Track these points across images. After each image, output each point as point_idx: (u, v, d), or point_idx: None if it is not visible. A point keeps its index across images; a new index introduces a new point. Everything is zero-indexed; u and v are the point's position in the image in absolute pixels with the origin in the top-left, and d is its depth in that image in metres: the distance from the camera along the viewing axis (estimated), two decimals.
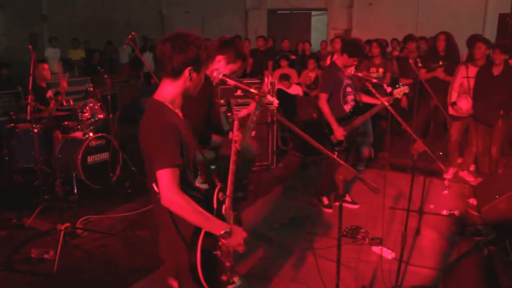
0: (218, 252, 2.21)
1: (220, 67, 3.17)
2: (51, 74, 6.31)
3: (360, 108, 5.03)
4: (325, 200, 5.36)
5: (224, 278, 2.27)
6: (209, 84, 3.05)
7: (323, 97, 4.89)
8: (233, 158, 2.37)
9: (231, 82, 2.29)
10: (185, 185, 2.12)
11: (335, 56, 5.09)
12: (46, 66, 6.19)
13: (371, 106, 4.98)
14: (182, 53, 2.06)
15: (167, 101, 2.16)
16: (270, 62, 10.62)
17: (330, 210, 5.27)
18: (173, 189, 2.02)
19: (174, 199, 2.02)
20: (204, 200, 2.24)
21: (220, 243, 2.22)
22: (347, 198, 5.37)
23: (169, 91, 2.16)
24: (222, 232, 2.11)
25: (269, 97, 2.24)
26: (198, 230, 2.12)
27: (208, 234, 2.13)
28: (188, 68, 2.10)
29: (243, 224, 2.50)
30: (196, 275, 2.09)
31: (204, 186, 2.34)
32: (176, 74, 2.11)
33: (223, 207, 2.31)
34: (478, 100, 5.78)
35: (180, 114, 2.24)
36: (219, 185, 2.34)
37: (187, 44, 2.07)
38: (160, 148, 2.03)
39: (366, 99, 5.22)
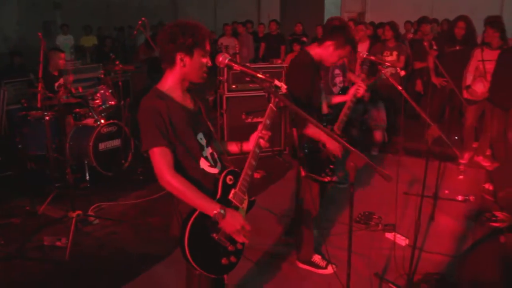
0: (215, 234, 2.22)
1: (328, 53, 3.34)
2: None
3: (346, 88, 4.95)
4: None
5: (224, 261, 2.26)
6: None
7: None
8: (256, 151, 2.33)
9: (237, 67, 2.23)
10: (182, 166, 2.24)
11: None
12: (62, 55, 6.22)
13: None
14: (171, 42, 2.21)
15: (164, 88, 2.29)
16: (282, 47, 10.51)
17: (343, 186, 5.21)
18: (163, 169, 2.14)
19: (164, 179, 2.15)
20: (207, 182, 2.29)
21: (220, 225, 2.22)
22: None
23: (167, 79, 2.31)
24: (214, 212, 2.15)
25: (277, 82, 2.18)
26: (194, 209, 2.19)
27: (206, 215, 2.18)
28: (178, 55, 2.23)
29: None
30: (183, 251, 2.15)
31: (211, 170, 2.34)
32: (169, 62, 2.27)
33: (232, 191, 2.30)
34: (496, 83, 5.63)
35: (184, 98, 2.34)
36: (228, 169, 2.34)
37: (174, 33, 2.20)
38: (142, 131, 2.19)
39: (351, 77, 5.21)
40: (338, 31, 3.30)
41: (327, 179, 3.46)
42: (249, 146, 2.46)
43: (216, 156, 2.42)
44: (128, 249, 4.19)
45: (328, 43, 3.33)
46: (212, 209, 2.16)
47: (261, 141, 2.33)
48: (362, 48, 7.04)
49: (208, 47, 2.28)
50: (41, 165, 5.72)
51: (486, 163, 6.13)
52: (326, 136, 3.27)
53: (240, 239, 2.27)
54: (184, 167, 2.25)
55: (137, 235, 4.45)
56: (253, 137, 2.40)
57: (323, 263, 3.75)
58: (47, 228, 4.50)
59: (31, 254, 4.06)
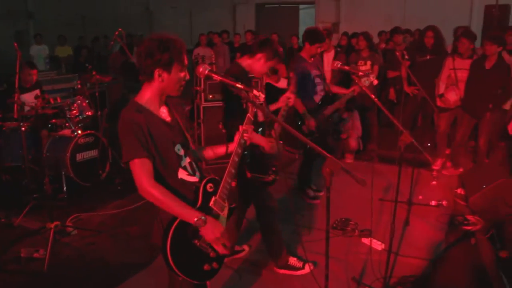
0: (196, 241, 2.27)
1: (260, 64, 3.62)
2: (37, 72, 6.24)
3: (329, 98, 5.11)
4: (310, 192, 5.42)
5: (206, 267, 2.31)
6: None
7: (291, 89, 4.93)
8: (237, 150, 2.43)
9: (217, 77, 2.31)
10: (161, 177, 2.28)
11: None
12: (34, 71, 6.04)
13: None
14: (148, 58, 2.25)
15: (142, 101, 2.33)
16: None
17: (317, 201, 5.33)
18: (143, 179, 2.19)
19: (144, 189, 2.20)
20: (187, 191, 2.34)
21: (201, 232, 2.28)
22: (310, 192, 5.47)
23: (145, 92, 2.35)
24: (195, 219, 2.21)
25: (255, 92, 2.26)
26: (175, 216, 2.25)
27: (186, 222, 2.23)
28: (156, 71, 2.26)
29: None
30: (166, 258, 2.20)
31: (190, 178, 2.39)
32: (148, 76, 2.31)
33: (213, 198, 2.36)
34: (469, 92, 5.81)
35: (162, 111, 2.39)
36: (208, 177, 2.39)
37: (150, 49, 2.24)
38: (122, 142, 2.23)
39: (335, 89, 5.35)
40: (266, 45, 3.60)
41: (271, 177, 3.64)
42: (233, 146, 2.53)
43: (194, 165, 2.47)
44: (107, 259, 4.18)
45: (259, 55, 3.61)
46: (193, 216, 2.22)
47: (245, 135, 2.43)
48: (329, 58, 7.20)
49: (186, 61, 2.33)
50: (16, 177, 5.65)
51: (449, 173, 6.29)
52: (263, 139, 3.40)
53: (219, 248, 2.32)
54: (163, 177, 2.30)
55: (116, 245, 4.44)
56: (236, 139, 2.48)
57: (299, 264, 3.85)
58: (24, 240, 4.46)
59: (8, 267, 4.01)
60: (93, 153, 5.90)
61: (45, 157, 5.51)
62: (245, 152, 3.38)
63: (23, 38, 16.09)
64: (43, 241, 4.28)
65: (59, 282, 3.81)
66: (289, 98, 3.89)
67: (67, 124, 5.87)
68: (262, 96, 2.28)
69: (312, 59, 5.08)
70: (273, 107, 4.04)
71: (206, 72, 2.30)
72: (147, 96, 2.33)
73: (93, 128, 6.14)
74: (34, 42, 12.84)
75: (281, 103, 3.95)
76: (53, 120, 5.90)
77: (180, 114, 2.51)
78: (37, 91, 6.01)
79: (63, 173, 5.56)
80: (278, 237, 3.82)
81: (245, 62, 3.67)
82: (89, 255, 4.23)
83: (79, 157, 5.68)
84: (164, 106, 2.42)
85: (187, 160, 2.42)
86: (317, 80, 5.05)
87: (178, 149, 2.38)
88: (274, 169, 3.65)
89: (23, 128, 5.04)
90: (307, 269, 3.79)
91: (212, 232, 2.26)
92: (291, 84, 4.04)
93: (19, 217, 4.81)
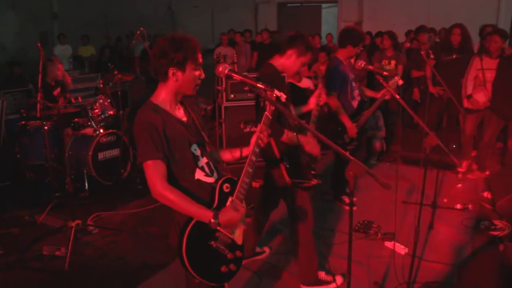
0: (213, 242, 2.24)
1: (291, 61, 3.43)
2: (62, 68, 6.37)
3: (364, 103, 4.91)
4: (346, 199, 5.28)
5: (223, 269, 2.27)
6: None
7: (334, 94, 4.62)
8: (254, 149, 2.36)
9: (237, 77, 2.26)
10: (175, 178, 2.26)
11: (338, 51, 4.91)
12: (60, 66, 6.26)
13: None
14: (161, 58, 2.25)
15: (158, 101, 2.32)
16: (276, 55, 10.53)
17: (355, 208, 5.18)
18: (156, 182, 2.17)
19: (157, 191, 2.18)
20: (203, 192, 2.31)
21: (217, 233, 2.25)
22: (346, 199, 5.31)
23: (160, 92, 2.34)
24: (210, 220, 2.18)
25: (276, 92, 2.20)
26: (191, 218, 2.22)
27: (203, 223, 2.20)
28: (170, 70, 2.25)
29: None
30: (182, 260, 2.17)
31: (207, 179, 2.36)
32: (162, 76, 2.30)
33: (229, 198, 2.32)
34: (497, 93, 5.65)
35: (178, 111, 2.38)
36: (224, 177, 2.35)
37: (163, 48, 2.24)
38: (137, 143, 2.23)
39: (368, 93, 5.14)
40: (297, 40, 3.42)
41: (312, 182, 3.42)
42: (249, 150, 2.47)
43: (212, 165, 2.44)
44: (127, 258, 4.18)
45: (290, 51, 3.42)
46: (208, 216, 2.19)
47: (260, 142, 2.36)
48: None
49: (200, 60, 2.30)
50: (40, 175, 5.72)
51: (474, 176, 6.14)
52: (304, 138, 3.31)
53: (237, 236, 2.32)
54: (178, 178, 2.28)
55: (137, 244, 4.44)
56: (253, 141, 2.43)
57: (329, 278, 3.64)
58: (46, 237, 4.49)
59: (31, 264, 4.05)
60: (114, 152, 5.93)
61: (67, 155, 5.57)
62: (284, 158, 3.29)
63: (47, 38, 16.35)
64: (65, 239, 4.29)
65: (80, 281, 3.83)
66: (320, 96, 3.69)
67: (89, 123, 5.91)
68: (284, 96, 2.22)
69: (347, 61, 4.85)
70: (304, 109, 3.84)
71: (226, 71, 2.26)
72: (162, 96, 2.33)
73: (115, 127, 6.18)
74: (59, 42, 13.03)
75: (311, 105, 3.75)
76: (76, 119, 5.95)
77: (196, 114, 2.48)
78: (59, 90, 6.10)
79: (85, 171, 5.61)
80: (310, 250, 3.55)
81: (277, 61, 3.48)
82: (110, 254, 4.24)
83: (100, 156, 5.72)
84: (180, 105, 2.40)
85: (204, 160, 2.39)
86: (354, 84, 4.83)
87: (195, 149, 2.35)
88: (313, 172, 3.46)
89: (46, 127, 5.10)
90: (339, 280, 3.62)
91: (233, 219, 2.25)
92: (320, 82, 3.81)
93: (42, 215, 4.86)
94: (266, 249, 4.15)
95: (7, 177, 5.91)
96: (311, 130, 2.28)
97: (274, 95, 2.22)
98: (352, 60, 5.75)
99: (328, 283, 3.61)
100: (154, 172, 2.18)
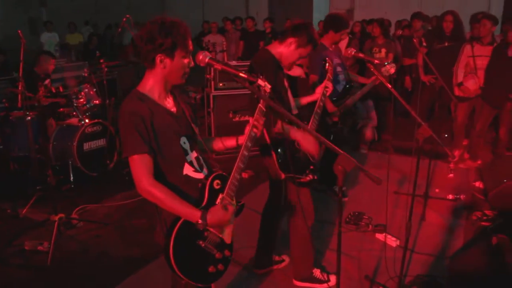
0: (201, 242, 2.13)
1: (289, 50, 3.22)
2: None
3: (350, 88, 4.84)
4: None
5: (211, 269, 2.17)
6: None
7: (314, 78, 4.65)
8: (247, 143, 2.25)
9: (218, 65, 2.14)
10: (162, 173, 2.14)
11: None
12: (53, 61, 6.12)
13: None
14: (149, 43, 2.09)
15: (145, 90, 2.18)
16: (261, 43, 10.42)
17: (346, 199, 5.12)
18: (142, 177, 2.05)
19: (143, 188, 2.05)
20: (191, 189, 2.19)
21: (206, 233, 2.14)
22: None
23: (147, 80, 2.21)
24: (198, 220, 2.06)
25: (260, 81, 2.08)
26: (179, 216, 2.10)
27: (191, 222, 2.08)
28: (158, 57, 2.11)
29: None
30: (169, 261, 2.05)
31: (196, 175, 2.24)
32: (149, 63, 2.16)
33: (219, 195, 2.20)
34: (489, 81, 5.58)
35: (167, 101, 2.24)
36: (215, 173, 2.23)
37: (151, 33, 2.08)
38: (123, 136, 2.09)
39: (360, 79, 5.13)
40: (301, 29, 3.21)
41: (308, 178, 3.26)
42: (244, 138, 2.35)
43: (202, 160, 2.32)
44: (113, 252, 4.07)
45: (290, 40, 3.21)
46: (196, 216, 2.07)
47: (255, 130, 2.26)
48: (342, 45, 6.95)
49: (190, 47, 2.17)
50: (24, 167, 5.57)
51: (466, 165, 6.08)
52: (300, 134, 3.14)
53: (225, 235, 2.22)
54: (165, 173, 2.16)
55: (123, 238, 4.33)
56: (247, 131, 2.31)
57: (324, 276, 3.52)
58: (29, 232, 4.37)
59: (12, 260, 3.93)
60: (100, 142, 5.80)
61: (51, 146, 5.43)
62: (279, 150, 3.14)
63: (36, 25, 16.09)
64: (47, 233, 4.17)
65: (62, 277, 3.71)
66: (326, 88, 3.49)
67: (74, 113, 5.77)
68: (268, 86, 2.10)
69: (333, 46, 4.85)
70: (306, 99, 3.62)
71: (207, 60, 2.12)
72: (149, 84, 2.19)
73: (101, 117, 6.03)
74: (45, 29, 12.79)
75: (317, 95, 3.52)
76: (60, 109, 5.80)
77: (186, 105, 2.35)
78: (48, 81, 5.94)
79: (70, 162, 5.47)
80: (306, 245, 3.44)
81: (275, 48, 3.28)
82: (94, 249, 4.13)
83: (86, 146, 5.58)
84: (169, 95, 2.27)
85: (194, 154, 2.27)
86: (339, 69, 4.82)
87: (184, 142, 2.23)
88: (312, 167, 3.30)
89: (28, 118, 4.95)
90: (333, 281, 3.49)
91: (221, 219, 2.13)
92: (328, 72, 3.65)
93: (24, 208, 4.73)
94: (285, 258, 3.87)
95: None
96: (302, 126, 2.15)
97: (257, 84, 2.09)
98: (342, 46, 5.67)
99: (321, 281, 3.50)
100: (140, 167, 2.05)
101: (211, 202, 2.18)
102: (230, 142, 2.52)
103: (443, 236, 4.29)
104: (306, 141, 3.15)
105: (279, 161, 3.13)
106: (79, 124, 5.61)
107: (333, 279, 3.52)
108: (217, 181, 2.22)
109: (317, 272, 3.52)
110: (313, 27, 3.32)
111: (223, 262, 2.23)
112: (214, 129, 6.59)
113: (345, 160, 1.97)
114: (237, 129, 2.42)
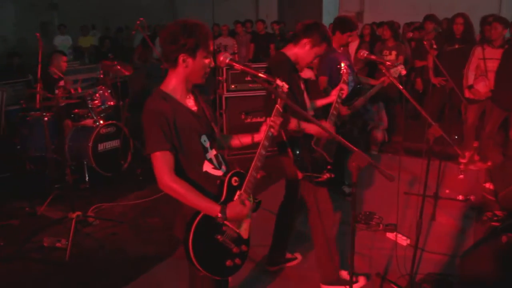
0: (220, 236, 2.21)
1: (305, 51, 3.26)
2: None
3: (359, 89, 4.89)
4: (346, 189, 5.25)
5: (228, 263, 2.24)
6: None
7: (323, 80, 4.74)
8: (264, 143, 2.33)
9: (238, 66, 2.22)
10: (183, 170, 2.22)
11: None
12: (64, 58, 6.28)
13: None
14: (172, 44, 2.17)
15: (168, 90, 2.26)
16: (271, 46, 10.50)
17: (349, 198, 5.17)
18: (164, 174, 2.13)
19: (165, 184, 2.13)
20: (211, 185, 2.27)
21: (224, 228, 2.22)
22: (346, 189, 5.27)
23: (170, 80, 2.28)
24: (217, 214, 2.15)
25: (278, 82, 2.16)
26: (198, 211, 2.18)
27: (210, 217, 2.17)
28: (181, 56, 2.18)
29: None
30: (188, 253, 2.13)
31: (215, 172, 2.32)
32: (172, 63, 2.23)
33: (237, 192, 2.28)
34: (499, 83, 5.60)
35: (188, 100, 2.32)
36: (233, 171, 2.32)
37: (175, 34, 2.17)
38: (146, 134, 2.17)
39: (371, 81, 5.16)
40: (312, 29, 3.25)
41: (326, 176, 3.26)
42: (260, 136, 2.44)
43: (220, 158, 2.40)
44: (128, 250, 4.17)
45: (304, 41, 3.25)
46: (215, 210, 2.15)
47: (272, 130, 2.33)
48: (353, 48, 7.01)
49: (211, 47, 2.24)
50: (40, 166, 5.69)
51: (476, 167, 6.10)
52: (315, 127, 3.15)
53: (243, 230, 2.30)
54: (186, 170, 2.24)
55: (137, 236, 4.43)
56: (263, 129, 2.39)
57: (353, 278, 3.32)
58: (46, 229, 4.47)
59: (31, 255, 4.04)
60: (114, 143, 5.90)
61: (67, 147, 5.53)
62: (297, 152, 3.17)
63: (48, 29, 16.26)
64: (65, 230, 4.28)
65: (80, 272, 3.82)
66: (342, 90, 3.51)
67: (89, 114, 5.88)
68: (286, 86, 2.18)
69: (342, 48, 4.90)
70: (321, 102, 3.64)
71: (227, 61, 2.21)
72: (172, 84, 2.27)
73: (115, 118, 6.14)
74: (59, 32, 12.95)
75: (332, 97, 3.54)
76: (76, 110, 5.91)
77: (206, 104, 2.43)
78: (62, 82, 6.05)
79: (85, 163, 5.57)
80: (330, 246, 3.40)
81: (290, 51, 3.31)
82: (110, 246, 4.23)
83: (100, 147, 5.68)
84: (190, 94, 2.35)
85: (213, 152, 2.35)
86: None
87: (204, 141, 2.30)
88: (329, 167, 3.32)
89: (45, 118, 5.06)
90: (362, 281, 3.50)
91: (238, 216, 2.22)
92: (343, 74, 3.70)
93: (42, 207, 4.84)
94: (298, 256, 3.93)
95: (7, 169, 5.87)
96: (319, 124, 2.22)
97: (276, 84, 2.17)
98: (351, 49, 5.73)
99: (349, 283, 3.52)
100: (162, 163, 2.13)
101: (229, 198, 2.26)
102: (246, 139, 2.60)
103: (453, 236, 4.33)
104: (317, 130, 3.18)
105: (297, 160, 3.17)
106: (94, 125, 5.72)
107: (362, 280, 3.53)
108: (235, 178, 2.30)
109: (344, 274, 3.50)
110: (324, 25, 3.36)
111: (240, 257, 2.31)
112: (226, 130, 6.67)
113: (360, 157, 2.04)
114: (249, 130, 2.50)
